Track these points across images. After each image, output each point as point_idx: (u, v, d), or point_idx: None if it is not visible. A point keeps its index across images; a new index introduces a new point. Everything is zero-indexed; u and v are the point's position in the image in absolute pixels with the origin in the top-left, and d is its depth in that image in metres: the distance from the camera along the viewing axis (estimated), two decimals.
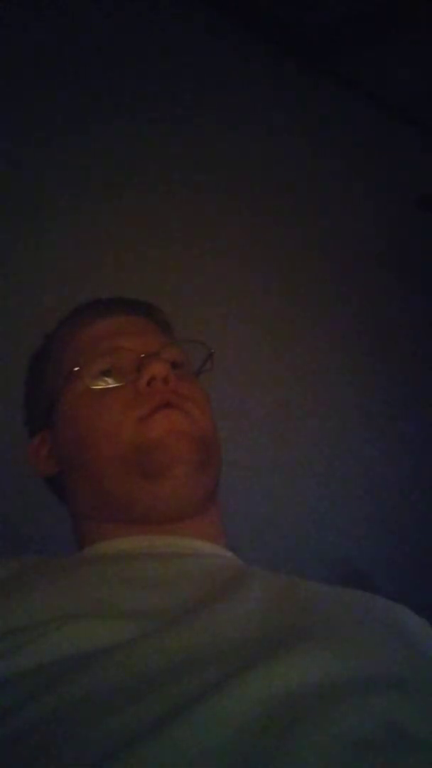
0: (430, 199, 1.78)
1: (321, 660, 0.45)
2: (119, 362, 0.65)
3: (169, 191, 1.40)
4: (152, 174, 1.38)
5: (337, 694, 0.42)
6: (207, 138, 1.49)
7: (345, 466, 1.58)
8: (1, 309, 1.13)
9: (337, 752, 0.38)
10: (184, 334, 0.75)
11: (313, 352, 1.59)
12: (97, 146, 1.31)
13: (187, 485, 0.62)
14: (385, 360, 1.73)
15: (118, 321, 0.69)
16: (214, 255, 1.45)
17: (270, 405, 1.48)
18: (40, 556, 0.61)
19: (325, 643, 0.47)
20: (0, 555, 0.61)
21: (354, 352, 1.68)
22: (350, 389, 1.65)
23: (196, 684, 0.42)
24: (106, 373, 0.65)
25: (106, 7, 1.36)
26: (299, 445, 1.52)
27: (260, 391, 1.47)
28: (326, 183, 1.71)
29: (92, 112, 1.31)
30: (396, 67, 1.72)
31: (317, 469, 1.53)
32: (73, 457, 0.67)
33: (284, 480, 1.46)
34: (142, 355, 0.65)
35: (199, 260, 1.42)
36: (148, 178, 1.38)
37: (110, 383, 0.65)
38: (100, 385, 0.65)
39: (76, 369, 0.66)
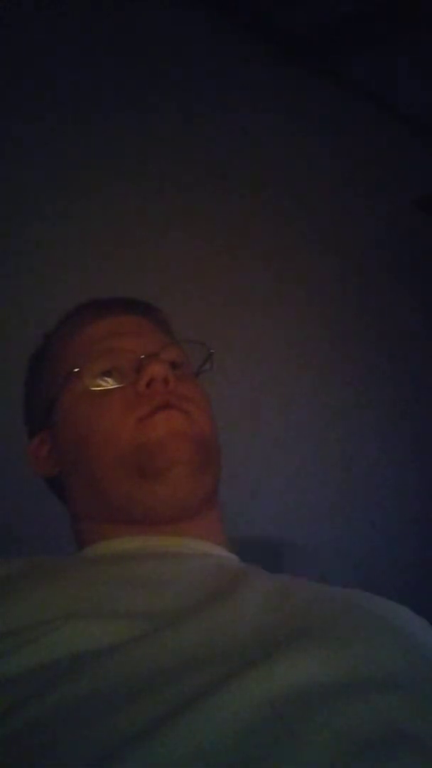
0: (429, 199, 1.78)
1: (321, 660, 0.45)
2: (119, 363, 0.66)
3: (169, 191, 1.40)
4: (153, 174, 1.38)
5: (336, 694, 0.42)
6: (207, 138, 1.49)
7: (346, 465, 1.58)
8: (1, 309, 1.14)
9: (336, 752, 0.38)
10: (184, 334, 0.75)
11: (313, 352, 1.59)
12: (96, 146, 1.31)
13: (186, 486, 0.62)
14: (385, 360, 1.73)
15: (117, 321, 0.69)
16: (214, 255, 1.46)
17: (270, 404, 1.48)
18: (40, 556, 0.61)
19: (324, 643, 0.47)
20: (0, 555, 0.61)
21: (354, 353, 1.68)
22: (350, 389, 1.65)
23: (196, 684, 0.42)
24: (106, 373, 0.65)
25: (107, 7, 1.36)
26: (299, 444, 1.52)
27: (260, 390, 1.47)
28: (326, 183, 1.71)
29: (92, 112, 1.31)
30: (396, 67, 1.72)
31: (318, 468, 1.53)
32: (73, 457, 0.67)
33: (284, 480, 1.46)
34: (142, 356, 0.65)
35: (199, 260, 1.42)
36: (148, 179, 1.38)
37: (110, 384, 0.65)
38: (99, 386, 0.65)
39: (76, 370, 0.66)
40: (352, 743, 0.38)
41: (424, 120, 1.91)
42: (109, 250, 1.28)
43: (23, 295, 1.15)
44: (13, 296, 1.15)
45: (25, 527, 1.01)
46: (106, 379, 0.65)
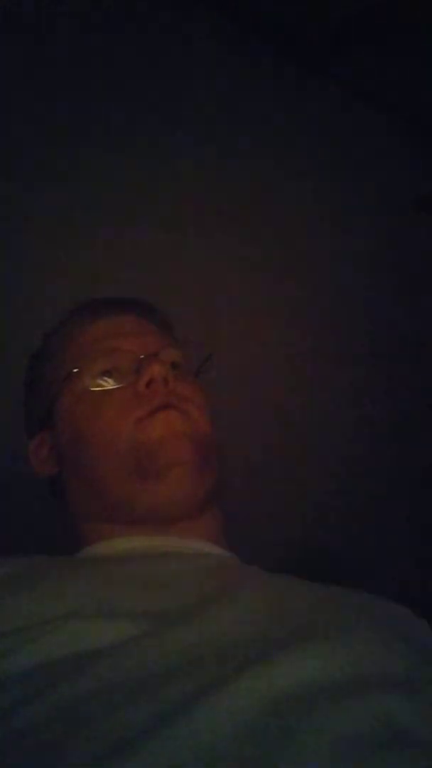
0: (426, 200, 1.78)
1: (321, 659, 0.45)
2: (118, 363, 0.66)
3: (169, 191, 1.40)
4: (152, 174, 1.38)
5: (336, 693, 0.42)
6: (206, 137, 1.49)
7: (346, 465, 1.58)
8: (1, 309, 1.14)
9: (337, 752, 0.38)
10: (184, 334, 0.75)
11: (312, 352, 1.59)
12: (96, 146, 1.31)
13: (186, 487, 0.62)
14: (385, 360, 1.73)
15: (116, 321, 0.69)
16: (214, 255, 1.46)
17: (269, 405, 1.48)
18: (40, 556, 0.61)
19: (324, 643, 0.47)
20: (0, 555, 0.61)
21: (353, 353, 1.68)
22: (350, 390, 1.65)
23: (196, 684, 0.42)
24: (106, 374, 0.65)
25: (107, 7, 1.36)
26: (299, 444, 1.52)
27: (261, 390, 1.47)
28: (325, 182, 1.71)
29: (92, 112, 1.31)
30: (396, 68, 1.72)
31: (318, 468, 1.53)
32: (73, 457, 0.67)
33: (285, 479, 1.46)
34: (141, 356, 0.65)
35: (199, 261, 1.42)
36: (148, 178, 1.38)
37: (109, 384, 0.65)
38: (99, 386, 0.65)
39: (76, 370, 0.66)
40: (352, 743, 0.38)
41: (423, 120, 1.91)
42: (109, 249, 1.28)
43: (23, 295, 1.15)
44: (13, 296, 1.15)
45: (25, 527, 1.01)
46: (106, 379, 0.65)
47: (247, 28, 1.57)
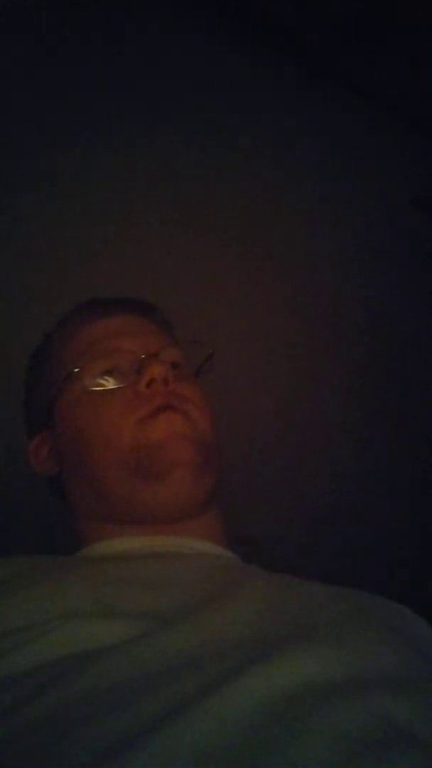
0: (426, 200, 1.78)
1: (320, 660, 0.45)
2: (119, 363, 0.66)
3: (169, 191, 1.40)
4: (152, 173, 1.38)
5: (336, 693, 0.42)
6: (206, 137, 1.49)
7: (346, 464, 1.58)
8: (1, 309, 1.14)
9: (336, 752, 0.38)
10: (184, 334, 0.75)
11: (312, 352, 1.59)
12: (96, 145, 1.31)
13: (187, 488, 0.62)
14: (385, 360, 1.73)
15: (117, 321, 0.69)
16: (214, 255, 1.46)
17: (270, 404, 1.48)
18: (40, 556, 0.61)
19: (324, 643, 0.47)
20: (0, 555, 0.61)
21: (352, 353, 1.68)
22: (350, 389, 1.65)
23: (195, 684, 0.42)
24: (106, 373, 0.65)
25: (107, 7, 1.36)
26: (299, 444, 1.52)
27: (261, 390, 1.47)
28: (325, 182, 1.71)
29: (92, 111, 1.31)
30: (396, 68, 1.72)
31: (318, 468, 1.53)
32: (73, 458, 0.67)
33: (285, 479, 1.46)
34: (142, 356, 0.65)
35: (199, 261, 1.42)
36: (148, 178, 1.38)
37: (110, 384, 0.65)
38: (99, 386, 0.65)
39: (76, 370, 0.66)
40: (352, 743, 0.38)
41: (423, 120, 1.91)
42: (109, 249, 1.28)
43: (23, 295, 1.15)
44: (13, 296, 1.15)
45: (25, 527, 1.01)
46: (107, 378, 0.65)
47: (247, 28, 1.57)
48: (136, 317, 0.71)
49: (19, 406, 0.76)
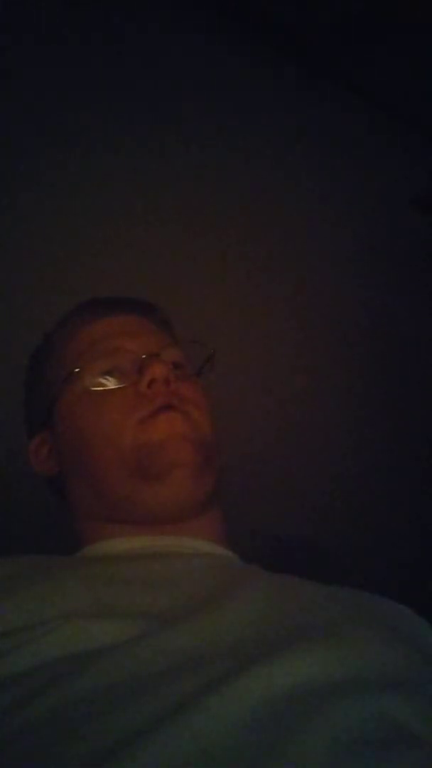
0: (425, 200, 1.78)
1: (321, 659, 0.45)
2: (119, 363, 0.66)
3: (169, 191, 1.40)
4: (152, 174, 1.38)
5: (337, 693, 0.42)
6: (206, 137, 1.49)
7: (346, 464, 1.58)
8: (1, 309, 1.13)
9: (337, 751, 0.38)
10: (184, 334, 0.75)
11: (312, 352, 1.59)
12: (96, 146, 1.31)
13: (187, 488, 0.62)
14: (385, 361, 1.73)
15: (117, 321, 0.69)
16: (214, 255, 1.45)
17: (270, 404, 1.48)
18: (40, 556, 0.61)
19: (325, 643, 0.47)
20: (0, 555, 0.61)
21: (352, 353, 1.68)
22: (349, 391, 1.65)
23: (196, 683, 0.42)
24: (107, 373, 0.65)
25: (107, 6, 1.36)
26: (299, 443, 1.52)
27: (260, 390, 1.47)
28: (324, 182, 1.71)
29: (92, 111, 1.31)
30: (396, 68, 1.72)
31: (318, 467, 1.53)
32: (74, 458, 0.67)
33: (285, 478, 1.46)
34: (143, 356, 0.65)
35: (199, 261, 1.42)
36: (148, 178, 1.38)
37: (111, 384, 0.65)
38: (100, 386, 0.65)
39: (77, 370, 0.66)
40: (352, 743, 0.38)
41: (423, 120, 1.91)
42: (109, 249, 1.28)
43: (23, 295, 1.15)
44: (13, 296, 1.15)
45: (25, 527, 1.01)
46: (108, 378, 0.65)
47: (247, 28, 1.57)
48: (137, 317, 0.71)
49: (19, 406, 0.76)
